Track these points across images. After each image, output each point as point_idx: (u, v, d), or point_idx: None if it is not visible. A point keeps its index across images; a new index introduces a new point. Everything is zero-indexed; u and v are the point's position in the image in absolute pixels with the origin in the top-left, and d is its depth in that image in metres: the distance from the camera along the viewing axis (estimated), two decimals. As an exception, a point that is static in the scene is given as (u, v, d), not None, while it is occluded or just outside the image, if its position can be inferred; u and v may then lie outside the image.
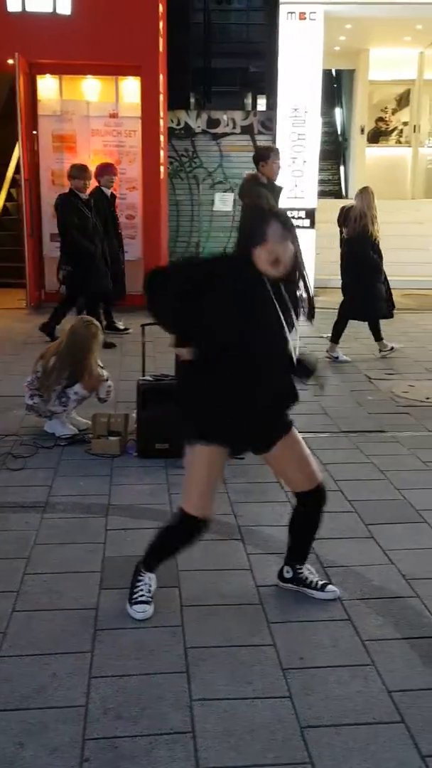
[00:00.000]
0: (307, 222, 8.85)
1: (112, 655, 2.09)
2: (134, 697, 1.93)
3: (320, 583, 2.40)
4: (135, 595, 2.27)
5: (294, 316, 2.13)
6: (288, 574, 2.42)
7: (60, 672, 2.02)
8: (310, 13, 8.62)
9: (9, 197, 10.02)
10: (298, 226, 8.81)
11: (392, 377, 5.30)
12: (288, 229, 2.07)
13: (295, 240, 2.09)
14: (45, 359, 3.87)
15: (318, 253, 8.95)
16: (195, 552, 2.68)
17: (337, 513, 3.04)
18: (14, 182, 9.74)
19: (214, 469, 2.16)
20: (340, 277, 6.04)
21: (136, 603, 2.26)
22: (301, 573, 2.40)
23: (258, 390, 2.12)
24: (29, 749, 1.75)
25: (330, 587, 2.40)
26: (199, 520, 2.19)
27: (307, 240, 8.90)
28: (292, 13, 8.64)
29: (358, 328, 7.07)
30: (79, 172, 6.12)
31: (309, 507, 2.33)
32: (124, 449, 3.70)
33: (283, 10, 8.77)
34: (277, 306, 2.08)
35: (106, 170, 6.65)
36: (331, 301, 8.64)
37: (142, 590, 2.27)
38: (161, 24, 7.76)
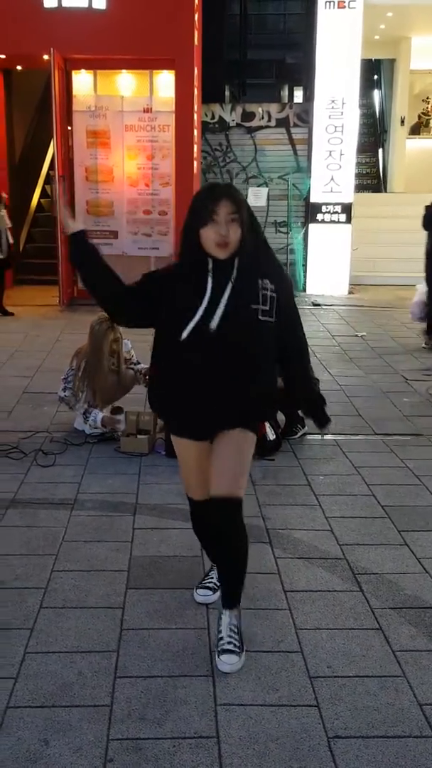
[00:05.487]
0: (343, 217, 8.69)
1: (137, 656, 2.09)
2: (159, 699, 1.92)
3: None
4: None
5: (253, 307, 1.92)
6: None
7: (85, 671, 2.02)
8: (350, 1, 8.45)
9: (43, 193, 10.12)
10: (334, 221, 8.77)
11: (430, 378, 5.16)
12: (237, 204, 1.90)
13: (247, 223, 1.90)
14: (79, 357, 3.89)
15: (355, 249, 8.79)
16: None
17: (369, 519, 2.98)
18: (48, 178, 9.83)
19: (187, 457, 2.12)
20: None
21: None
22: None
23: (195, 381, 1.96)
24: (54, 747, 1.76)
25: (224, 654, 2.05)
26: (190, 501, 2.23)
27: (343, 235, 8.77)
28: (330, 2, 8.48)
29: (401, 325, 6.92)
30: None
31: (212, 514, 2.08)
32: (153, 448, 3.70)
33: (321, -1, 8.60)
34: (209, 292, 1.91)
35: None
36: (370, 299, 8.47)
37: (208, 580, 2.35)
38: (197, 16, 7.70)
